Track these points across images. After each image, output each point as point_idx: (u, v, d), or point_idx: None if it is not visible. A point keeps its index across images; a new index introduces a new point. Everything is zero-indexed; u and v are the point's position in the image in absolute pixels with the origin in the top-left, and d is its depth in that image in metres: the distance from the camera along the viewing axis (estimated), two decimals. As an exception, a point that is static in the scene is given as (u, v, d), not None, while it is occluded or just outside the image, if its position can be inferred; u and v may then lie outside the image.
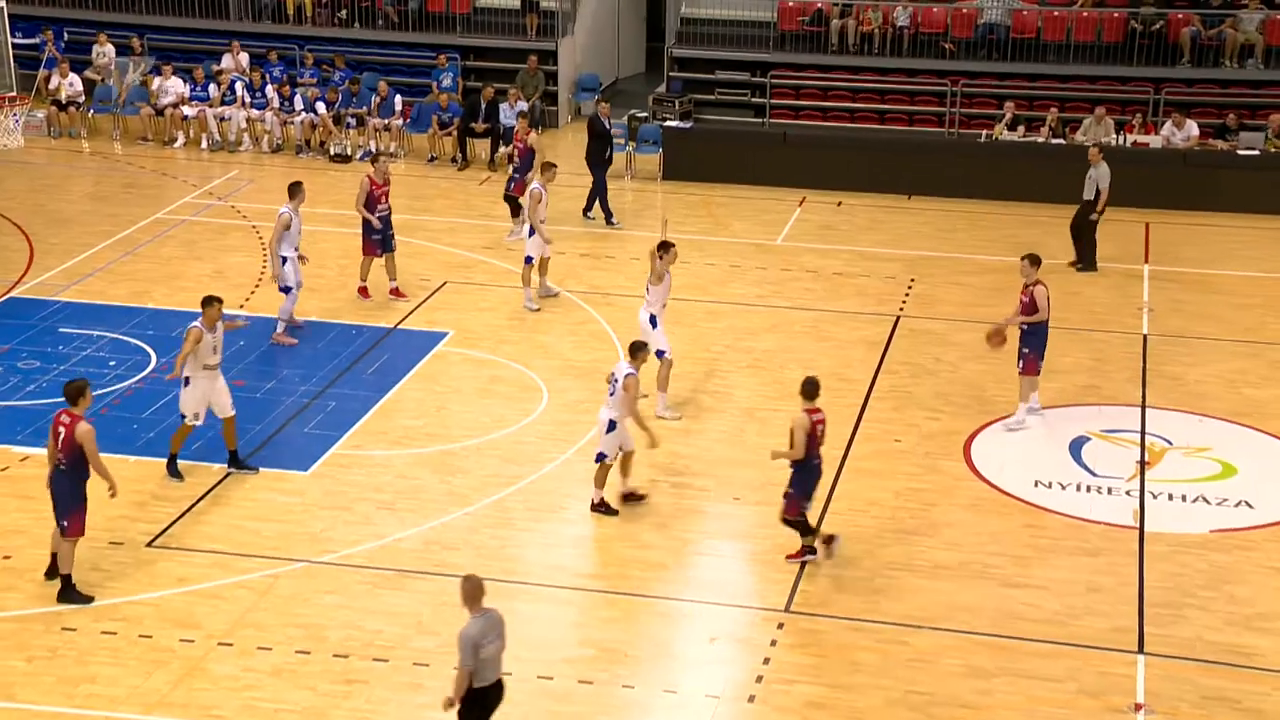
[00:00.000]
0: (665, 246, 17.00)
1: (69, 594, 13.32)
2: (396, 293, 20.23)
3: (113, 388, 17.35)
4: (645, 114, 27.12)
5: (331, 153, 26.36)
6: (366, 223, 19.73)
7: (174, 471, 15.44)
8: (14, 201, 23.39)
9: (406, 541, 14.57)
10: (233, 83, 27.02)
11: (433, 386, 17.75)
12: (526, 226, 19.93)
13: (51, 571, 13.54)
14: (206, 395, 15.35)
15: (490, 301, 20.24)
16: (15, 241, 21.89)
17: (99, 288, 20.08)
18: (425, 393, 17.60)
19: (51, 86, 26.99)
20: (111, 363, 17.96)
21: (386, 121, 26.64)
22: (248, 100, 26.86)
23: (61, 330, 18.70)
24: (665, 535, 14.77)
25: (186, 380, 15.32)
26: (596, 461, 14.86)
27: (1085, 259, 21.41)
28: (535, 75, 27.96)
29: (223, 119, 26.87)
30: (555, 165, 20.42)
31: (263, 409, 16.96)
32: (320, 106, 26.52)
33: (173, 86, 26.98)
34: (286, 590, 13.70)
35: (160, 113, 26.99)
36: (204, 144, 26.69)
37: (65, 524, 13.31)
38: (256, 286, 20.46)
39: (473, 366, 18.33)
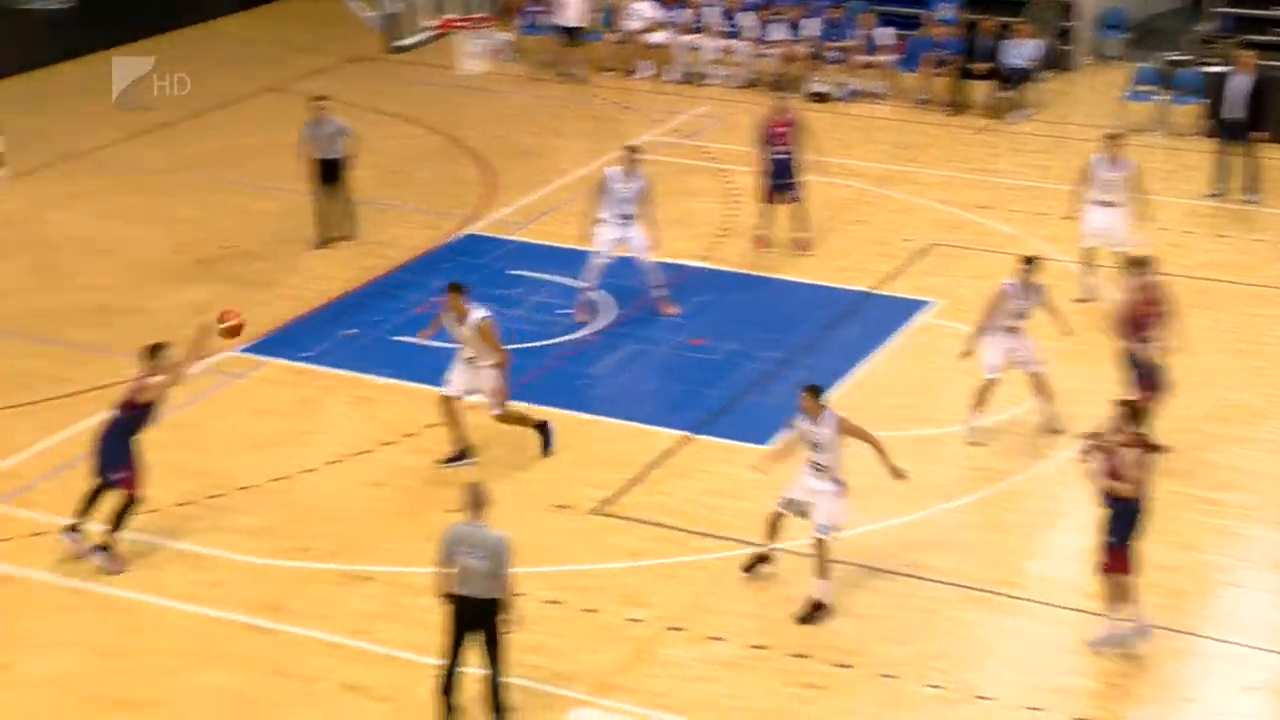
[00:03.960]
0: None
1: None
2: (799, 244, 20.29)
3: (564, 338, 18.17)
4: (1185, 57, 26.08)
5: (809, 90, 26.64)
6: (764, 165, 19.98)
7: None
8: (474, 131, 24.81)
9: (876, 536, 14.63)
10: (706, 8, 27.63)
11: (914, 361, 17.73)
12: None
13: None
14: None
15: (987, 268, 19.97)
16: (474, 174, 23.21)
17: (555, 228, 21.02)
18: (905, 368, 17.61)
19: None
20: (563, 310, 18.79)
21: (872, 57, 26.69)
22: (722, 28, 27.44)
23: (511, 272, 19.69)
24: (1189, 557, 14.26)
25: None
26: (821, 535, 13.53)
27: None
28: (1050, 7, 27.35)
29: (693, 48, 27.58)
30: (1122, 134, 19.57)
31: (722, 372, 17.38)
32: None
33: (642, 10, 27.85)
34: (744, 575, 14.02)
35: (625, 40, 27.95)
36: (670, 75, 27.48)
37: None
38: (721, 237, 20.96)
39: (962, 341, 18.17)
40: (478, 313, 15.23)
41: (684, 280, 19.52)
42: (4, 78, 23.34)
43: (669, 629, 13.28)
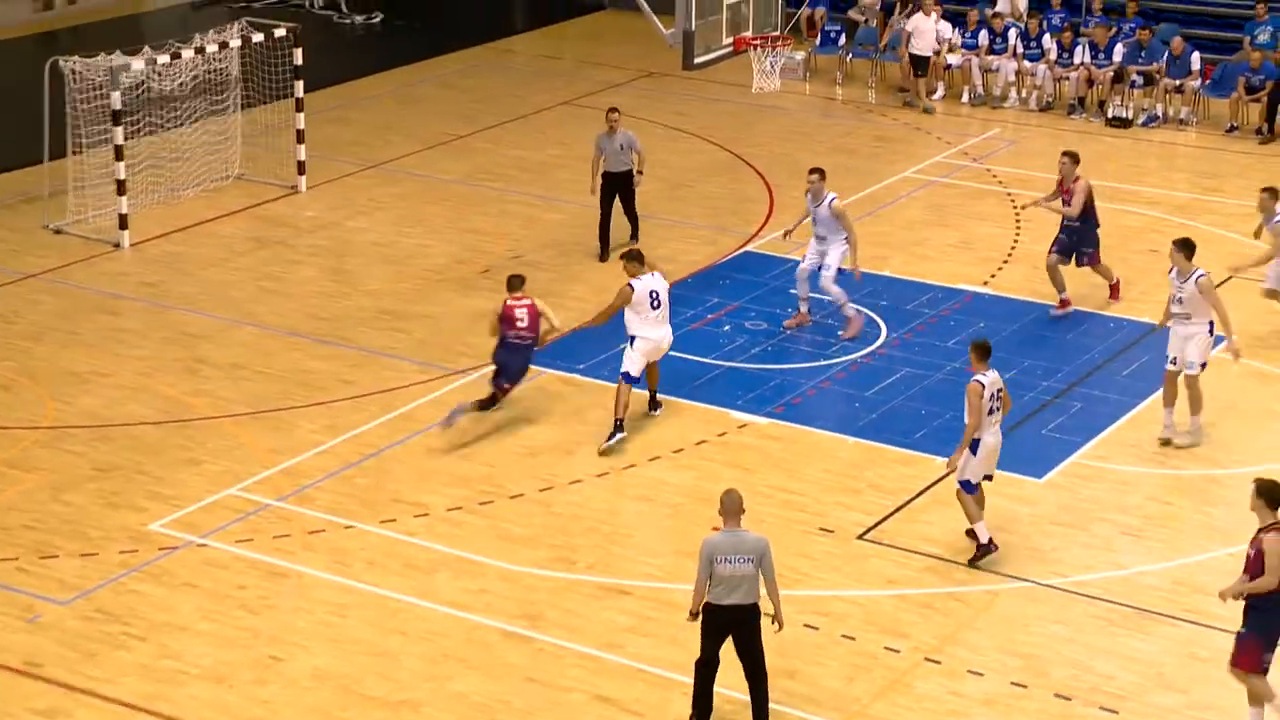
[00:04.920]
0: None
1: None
2: (1114, 292, 19.31)
3: (838, 360, 18.02)
4: None
5: (1109, 115, 25.92)
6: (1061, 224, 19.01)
7: None
8: (759, 149, 24.82)
9: (1152, 577, 14.15)
10: (1006, 29, 27.08)
11: (1204, 398, 17.06)
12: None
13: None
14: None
15: (1286, 304, 19.19)
16: (757, 191, 23.21)
17: (836, 248, 20.86)
18: (1192, 405, 17.01)
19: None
20: (840, 332, 18.63)
21: (1180, 82, 25.83)
22: (1020, 50, 26.87)
23: (793, 292, 19.56)
24: None
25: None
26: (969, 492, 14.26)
27: None
28: (1375, 33, 26.11)
29: (990, 70, 27.08)
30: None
31: (999, 401, 17.00)
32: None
33: (940, 32, 27.16)
34: (1006, 611, 13.71)
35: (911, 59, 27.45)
36: (965, 97, 27.05)
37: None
38: (1005, 263, 20.54)
39: (1254, 379, 17.48)
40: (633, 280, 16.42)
41: (964, 306, 19.21)
42: (314, 90, 24.21)
43: (926, 660, 13.03)
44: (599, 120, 20.80)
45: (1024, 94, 26.89)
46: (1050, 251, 18.98)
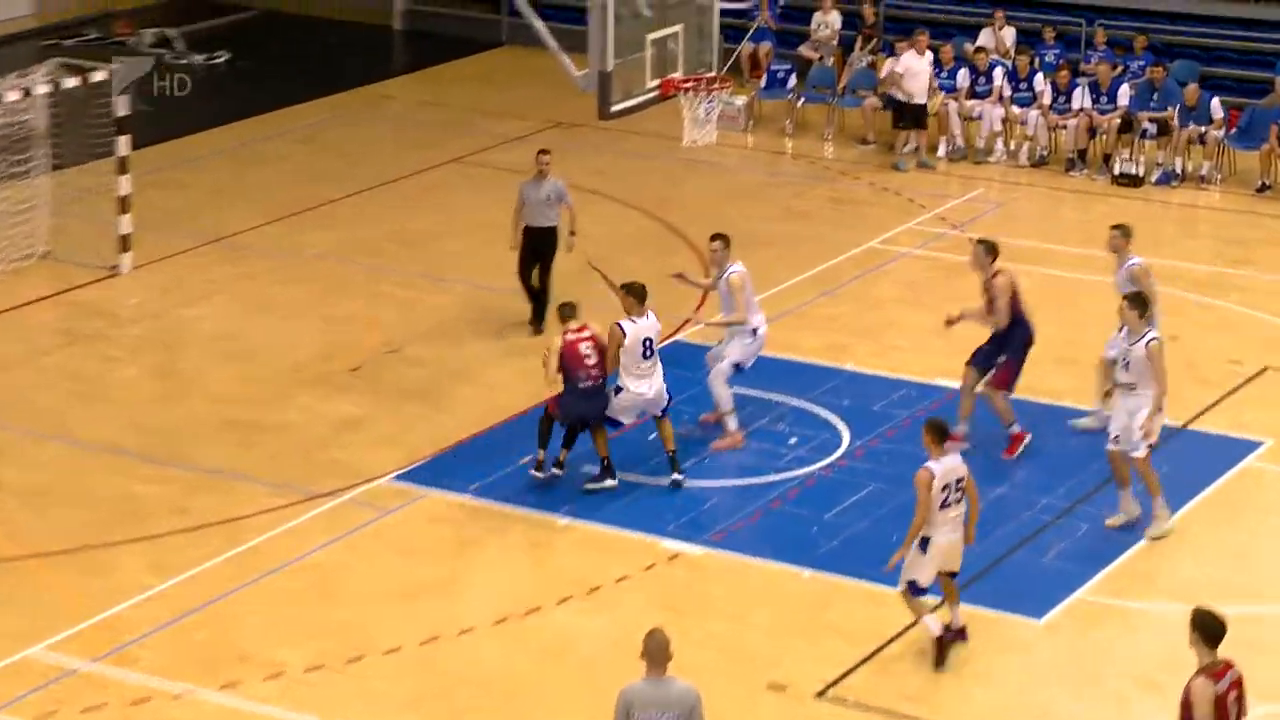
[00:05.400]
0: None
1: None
2: (1012, 445, 18.51)
3: (790, 473, 18.02)
4: None
5: (1116, 171, 26.23)
6: None
7: None
8: (690, 212, 24.93)
9: (1179, 741, 14.14)
10: (991, 68, 27.36)
11: (1235, 518, 17.28)
12: None
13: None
14: None
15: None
16: (688, 266, 23.20)
17: (786, 336, 20.88)
18: (1224, 524, 17.15)
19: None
20: (792, 440, 18.66)
21: (1203, 129, 26.14)
22: (1007, 93, 27.17)
23: (734, 391, 19.58)
24: None
25: None
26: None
27: None
28: None
29: (971, 117, 27.36)
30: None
31: (985, 522, 16.90)
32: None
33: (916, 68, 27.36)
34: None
35: (886, 106, 27.74)
36: (941, 149, 27.32)
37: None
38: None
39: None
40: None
41: (942, 405, 19.20)
42: (142, 147, 24.13)
43: None
44: (494, 182, 20.94)
45: (1012, 146, 27.21)
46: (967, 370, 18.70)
